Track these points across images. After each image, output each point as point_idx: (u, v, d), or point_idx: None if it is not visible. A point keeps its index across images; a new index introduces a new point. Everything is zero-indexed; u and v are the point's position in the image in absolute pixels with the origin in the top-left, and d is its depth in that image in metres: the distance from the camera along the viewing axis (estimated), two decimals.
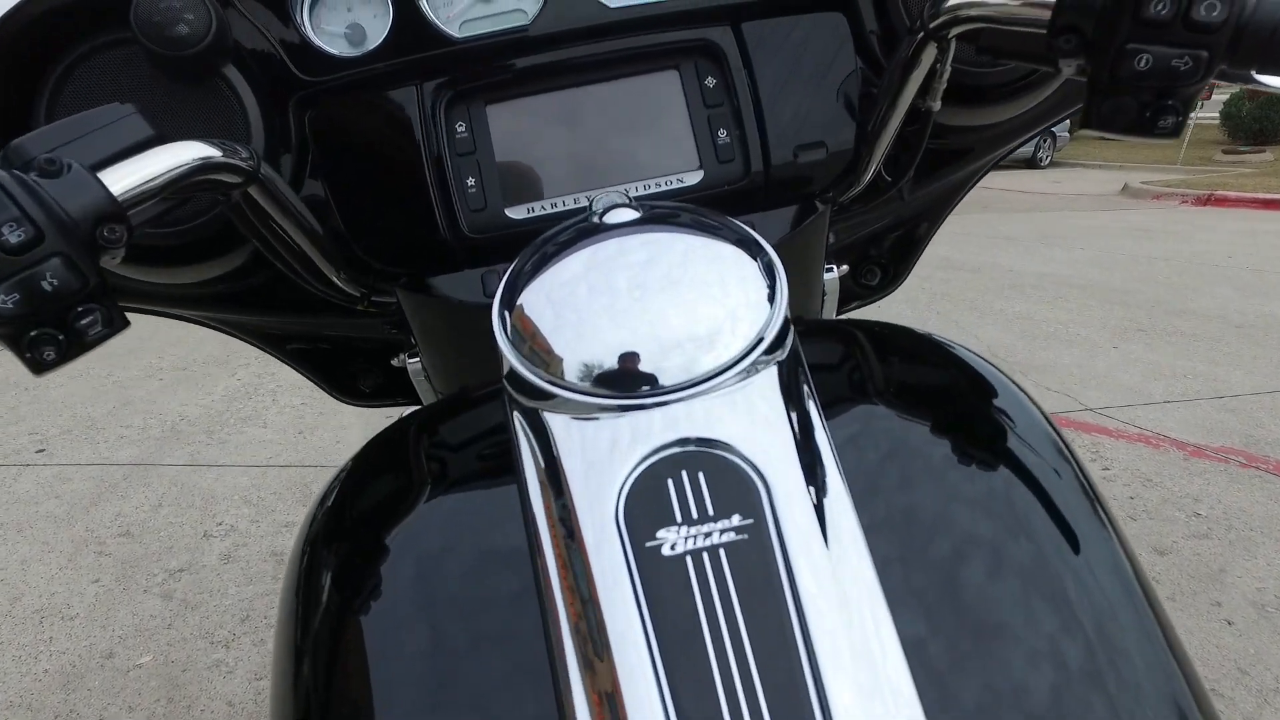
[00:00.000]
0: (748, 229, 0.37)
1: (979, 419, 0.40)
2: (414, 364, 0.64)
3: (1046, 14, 0.37)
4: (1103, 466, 2.24)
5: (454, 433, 0.43)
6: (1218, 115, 16.77)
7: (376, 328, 0.66)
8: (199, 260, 0.52)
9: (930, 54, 0.45)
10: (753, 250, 0.35)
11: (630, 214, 0.37)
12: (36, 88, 0.47)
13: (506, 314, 0.35)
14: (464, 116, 0.51)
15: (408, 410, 0.79)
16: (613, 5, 0.50)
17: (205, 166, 0.38)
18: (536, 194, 0.51)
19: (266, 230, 0.45)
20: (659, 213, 0.38)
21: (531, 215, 0.51)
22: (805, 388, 0.33)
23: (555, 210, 0.51)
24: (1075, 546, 0.34)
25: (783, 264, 0.38)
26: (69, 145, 0.35)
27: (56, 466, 2.28)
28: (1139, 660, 0.30)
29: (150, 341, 3.41)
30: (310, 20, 0.50)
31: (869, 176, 0.55)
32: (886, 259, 0.74)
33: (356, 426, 2.51)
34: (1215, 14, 0.33)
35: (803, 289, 0.61)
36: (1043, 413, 0.42)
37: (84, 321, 0.32)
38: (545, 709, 0.27)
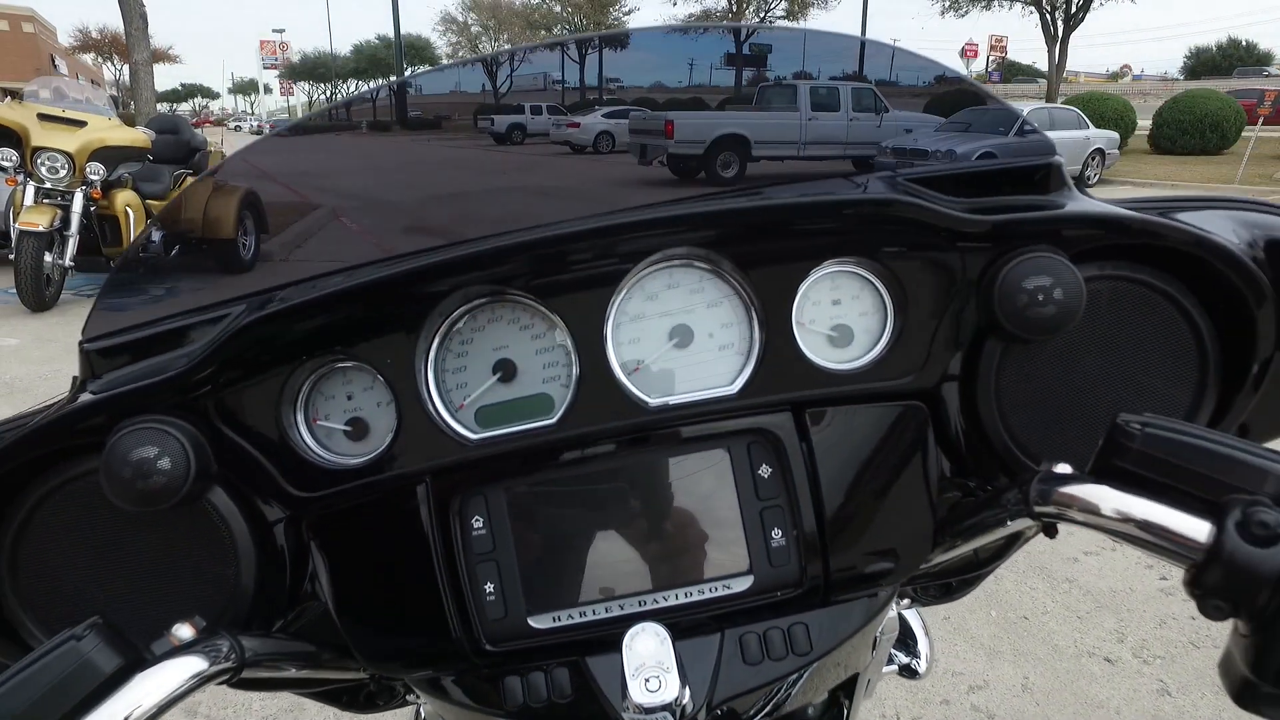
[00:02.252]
0: None
1: None
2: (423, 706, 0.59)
3: (1189, 556, 0.31)
4: (1159, 576, 2.11)
5: None
6: None
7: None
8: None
9: (1029, 523, 0.38)
10: None
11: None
12: (4, 529, 0.43)
13: None
14: (481, 510, 0.45)
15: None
16: (652, 403, 0.44)
17: (192, 683, 0.33)
18: (564, 601, 0.46)
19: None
20: None
21: (558, 625, 0.46)
22: None
23: (585, 620, 0.45)
24: None
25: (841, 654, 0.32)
26: (46, 702, 0.30)
27: None
28: None
29: None
30: (306, 419, 0.45)
31: (936, 564, 0.48)
32: (952, 585, 0.67)
33: None
34: None
35: (862, 647, 0.55)
36: None
37: None
38: None
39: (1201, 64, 43.85)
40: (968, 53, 49.07)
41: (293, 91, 72.11)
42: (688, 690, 0.39)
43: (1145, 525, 0.33)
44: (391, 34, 49.54)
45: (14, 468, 0.42)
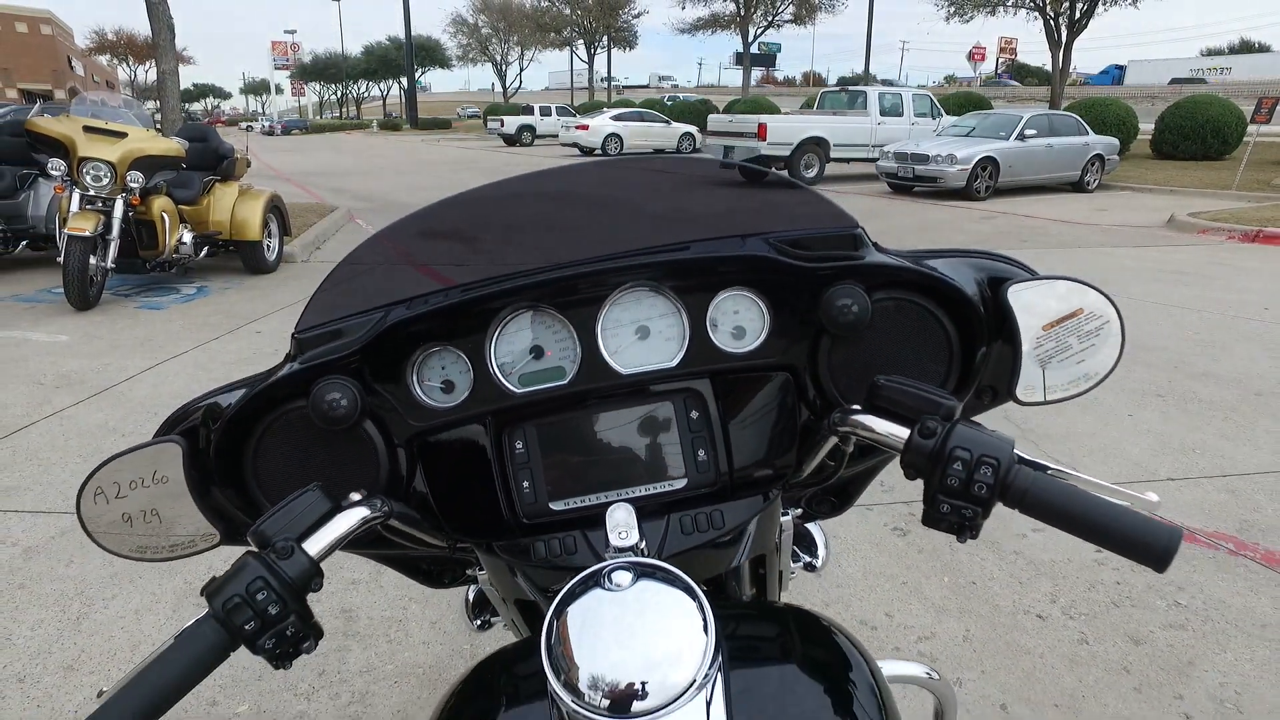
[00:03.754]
0: (703, 595, 0.58)
1: (819, 665, 0.63)
2: (482, 574, 0.88)
3: (897, 448, 0.60)
4: (1094, 550, 2.40)
5: (523, 678, 0.66)
6: None
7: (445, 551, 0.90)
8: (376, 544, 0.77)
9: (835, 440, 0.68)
10: (700, 612, 0.57)
11: (627, 576, 0.60)
12: (247, 442, 0.73)
13: (545, 647, 0.58)
14: (520, 436, 0.75)
15: (474, 586, 1.04)
16: (624, 372, 0.74)
17: (365, 522, 0.63)
18: (570, 492, 0.75)
19: (396, 531, 0.70)
20: (652, 571, 0.60)
21: (567, 507, 0.75)
22: (720, 696, 0.55)
23: (583, 505, 0.75)
24: None
25: (746, 529, 0.60)
26: (287, 526, 0.60)
27: None
28: None
29: None
30: (417, 380, 0.75)
31: (803, 477, 0.77)
32: (835, 499, 0.95)
33: None
34: (984, 491, 0.55)
35: (766, 534, 0.84)
36: (866, 662, 0.64)
37: (303, 645, 0.57)
38: None
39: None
40: (975, 55, 49.22)
41: (304, 92, 72.50)
42: (644, 542, 0.68)
43: (878, 432, 0.62)
44: (402, 35, 49.88)
45: (255, 409, 0.71)
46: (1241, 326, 4.84)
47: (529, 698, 0.61)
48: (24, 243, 6.11)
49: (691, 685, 0.50)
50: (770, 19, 35.21)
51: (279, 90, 75.30)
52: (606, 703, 0.49)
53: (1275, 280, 6.19)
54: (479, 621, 1.06)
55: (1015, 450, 0.57)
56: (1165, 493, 2.74)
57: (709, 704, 0.51)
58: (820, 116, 15.15)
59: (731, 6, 35.42)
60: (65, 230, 4.82)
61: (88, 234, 4.81)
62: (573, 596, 0.55)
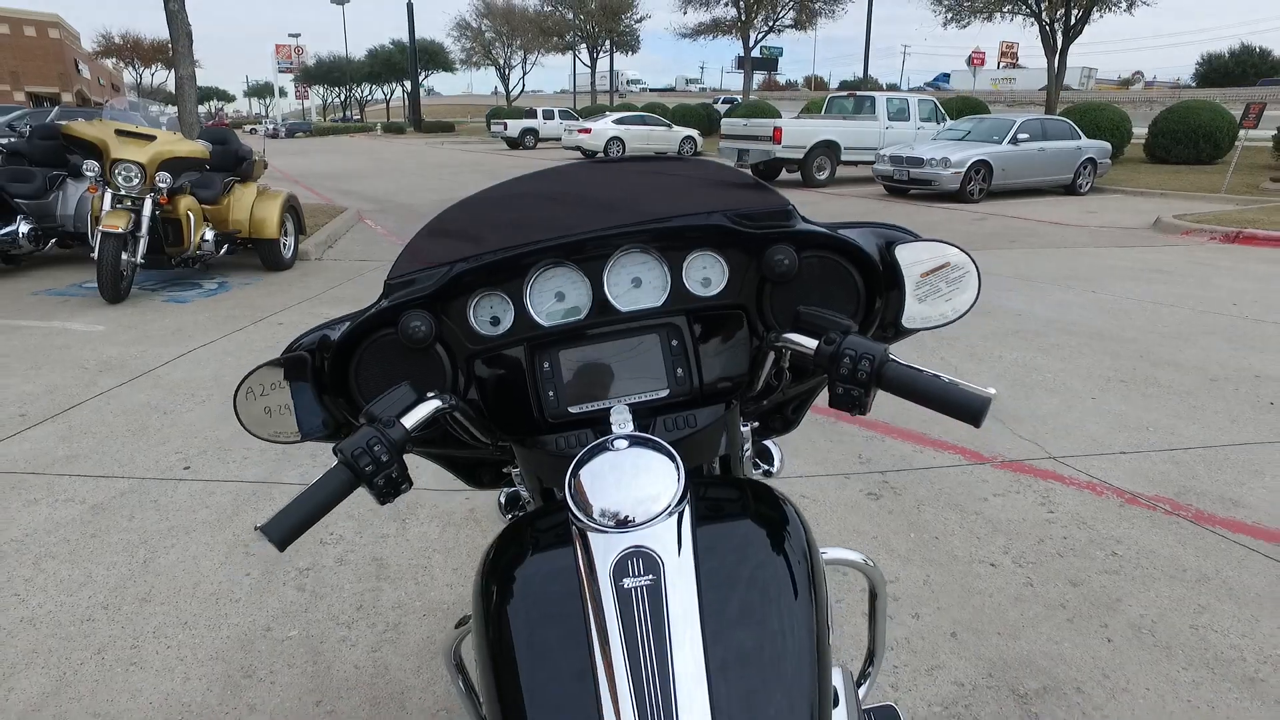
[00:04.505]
0: (675, 454, 0.86)
1: (764, 526, 0.90)
2: (515, 472, 1.16)
3: (809, 352, 0.88)
4: (1047, 510, 2.68)
5: (544, 530, 0.94)
6: (1271, 140, 16.57)
7: (493, 453, 1.18)
8: (438, 443, 1.05)
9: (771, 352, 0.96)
10: (675, 467, 0.85)
11: (626, 441, 0.88)
12: (350, 359, 1.01)
13: (569, 489, 0.86)
14: (549, 358, 1.03)
15: (505, 490, 1.32)
16: (625, 309, 1.02)
17: (439, 410, 0.91)
18: (583, 399, 1.03)
19: (455, 426, 0.98)
20: (643, 440, 0.88)
21: (581, 411, 1.03)
22: (688, 521, 0.83)
23: (593, 408, 1.02)
24: (792, 597, 0.83)
25: (712, 433, 0.89)
26: (388, 407, 0.88)
27: (201, 483, 2.89)
28: (796, 673, 0.76)
29: None
30: (473, 316, 1.03)
31: (755, 392, 1.05)
32: (788, 417, 1.23)
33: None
34: (865, 377, 0.84)
35: (731, 438, 1.12)
36: (805, 527, 0.92)
37: (401, 487, 0.85)
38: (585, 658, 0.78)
39: (1214, 70, 43.89)
40: (974, 60, 49.65)
41: (307, 95, 72.88)
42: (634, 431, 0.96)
43: (799, 343, 0.90)
44: (406, 39, 50.27)
45: (357, 335, 0.99)
46: (1209, 320, 5.11)
47: (551, 544, 0.89)
48: (53, 240, 6.41)
49: (664, 511, 0.78)
50: (771, 24, 35.52)
51: (282, 93, 75.65)
52: (611, 523, 0.78)
53: (1247, 278, 6.47)
54: (509, 516, 1.34)
55: (888, 352, 0.85)
56: (1117, 464, 3.02)
57: (679, 524, 0.79)
58: (832, 121, 15.55)
59: (732, 12, 35.72)
60: (99, 227, 5.11)
61: (120, 231, 5.11)
62: (587, 458, 0.83)
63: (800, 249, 1.00)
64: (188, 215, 5.76)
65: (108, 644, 2.00)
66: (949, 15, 22.40)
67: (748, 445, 1.19)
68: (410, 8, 45.32)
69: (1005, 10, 21.14)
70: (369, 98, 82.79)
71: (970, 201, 12.10)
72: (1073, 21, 19.17)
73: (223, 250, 6.35)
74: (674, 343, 1.02)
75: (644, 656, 0.72)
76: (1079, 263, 7.17)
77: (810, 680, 0.72)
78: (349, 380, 1.02)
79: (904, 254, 1.00)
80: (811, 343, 0.88)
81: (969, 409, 0.80)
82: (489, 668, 0.78)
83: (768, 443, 1.34)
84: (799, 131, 14.69)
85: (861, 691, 1.26)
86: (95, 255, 5.17)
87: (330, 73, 74.96)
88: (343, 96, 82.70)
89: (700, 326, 1.03)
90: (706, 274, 1.03)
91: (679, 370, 1.02)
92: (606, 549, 0.79)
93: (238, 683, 1.88)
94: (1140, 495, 2.77)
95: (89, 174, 5.32)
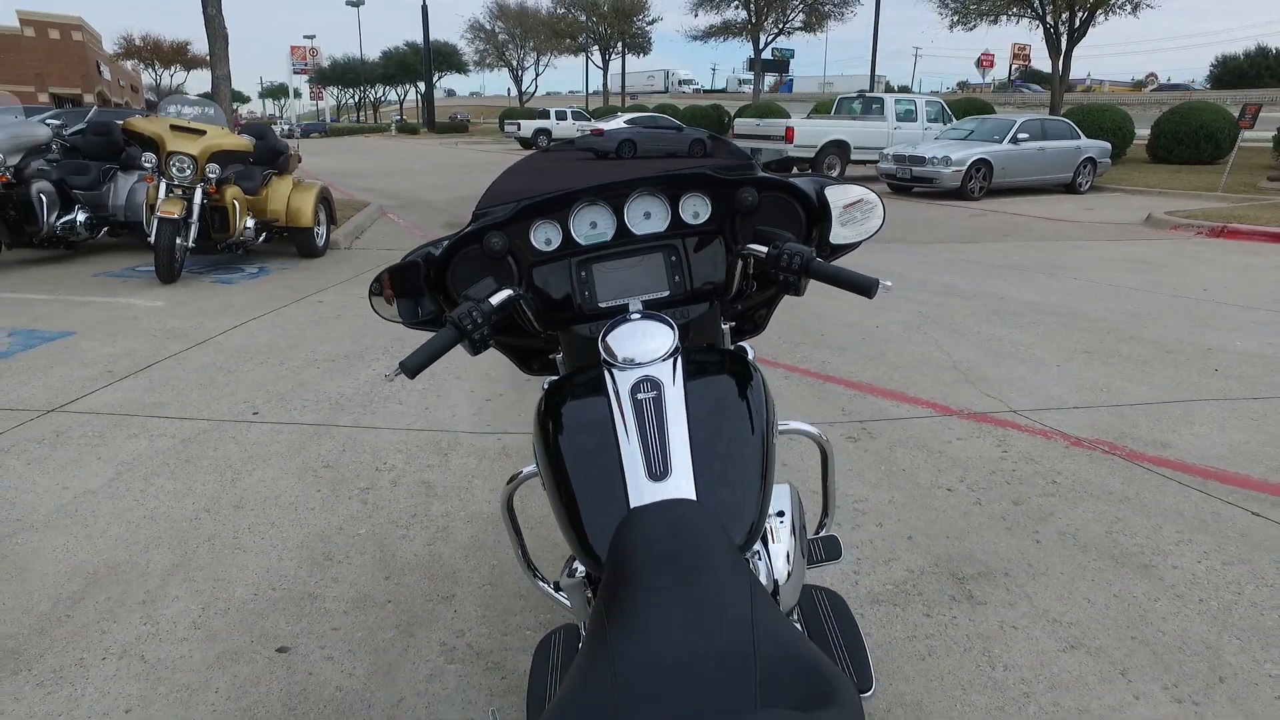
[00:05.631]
0: (672, 323, 1.29)
1: (733, 373, 1.33)
2: (558, 359, 1.60)
3: (761, 256, 1.31)
4: (1002, 450, 3.09)
5: (581, 381, 1.37)
6: (1271, 139, 16.84)
7: (541, 344, 1.61)
8: (502, 331, 1.48)
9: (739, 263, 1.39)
10: (672, 330, 1.28)
11: (639, 315, 1.31)
12: (447, 266, 1.44)
13: (602, 345, 1.29)
14: (584, 269, 1.46)
15: (549, 379, 1.75)
16: (639, 233, 1.45)
17: (511, 297, 1.34)
18: (609, 297, 1.45)
19: (520, 314, 1.41)
20: (650, 315, 1.31)
21: (608, 304, 1.46)
22: (680, 364, 1.26)
23: (615, 303, 1.45)
24: (747, 414, 1.26)
25: (697, 325, 1.31)
26: (478, 292, 1.31)
27: (269, 425, 3.34)
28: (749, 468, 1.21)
29: (301, 344, 4.51)
30: (533, 237, 1.46)
31: (731, 295, 1.48)
32: (756, 320, 1.66)
33: (463, 401, 3.52)
34: (797, 265, 1.27)
35: (711, 333, 1.55)
36: (764, 381, 1.34)
37: (489, 343, 1.29)
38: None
39: (1228, 72, 43.81)
40: (984, 62, 49.88)
41: (322, 96, 73.61)
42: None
43: (758, 250, 1.32)
44: (420, 40, 50.94)
45: (455, 249, 1.43)
46: (1178, 303, 5.50)
47: (587, 387, 1.31)
48: (105, 229, 6.90)
49: (664, 354, 1.21)
50: (781, 26, 35.88)
51: (297, 95, 76.43)
52: (630, 364, 1.21)
53: (1224, 268, 6.83)
54: None
55: (813, 253, 1.27)
56: (1074, 419, 3.42)
57: (674, 365, 1.22)
58: (842, 121, 16.06)
59: (743, 14, 36.09)
60: (157, 213, 5.59)
61: (175, 216, 5.59)
62: (614, 326, 1.27)
63: (760, 190, 1.43)
64: (233, 204, 6.23)
65: (214, 535, 2.45)
66: (955, 18, 22.74)
67: (727, 341, 1.62)
68: (425, 9, 45.92)
69: (1011, 13, 21.47)
70: (383, 99, 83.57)
71: (971, 199, 12.48)
72: (1076, 24, 19.49)
73: (261, 238, 6.83)
74: (673, 258, 1.45)
75: (649, 439, 1.15)
76: (1067, 254, 7.55)
77: (758, 463, 1.14)
78: (446, 280, 1.45)
79: (831, 193, 1.43)
80: (764, 249, 1.31)
81: (865, 286, 1.23)
82: (547, 464, 1.19)
83: (744, 344, 1.77)
84: (810, 131, 15.19)
85: (822, 534, 1.69)
86: (152, 239, 5.65)
87: (345, 74, 75.71)
88: (357, 98, 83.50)
89: (691, 246, 1.46)
90: (696, 209, 1.46)
91: (676, 277, 1.45)
92: (626, 379, 1.21)
93: (320, 563, 2.32)
94: (1084, 439, 3.18)
95: (146, 165, 5.81)
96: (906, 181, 13.07)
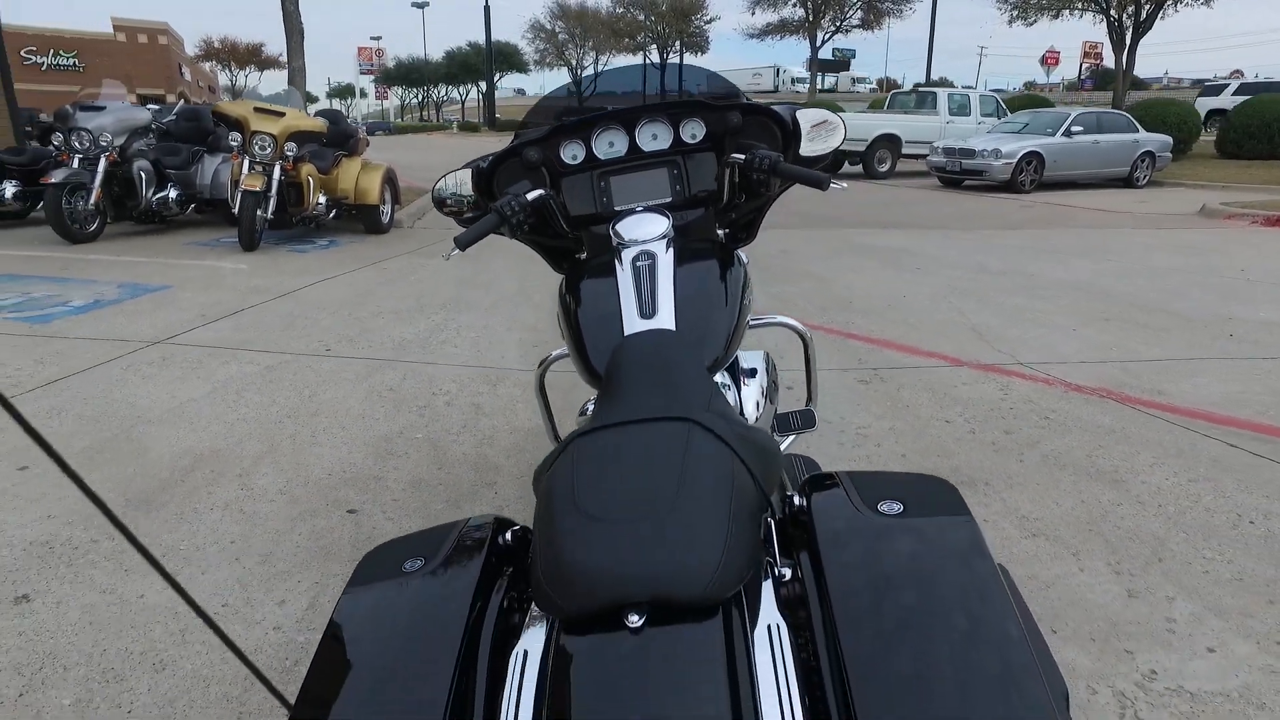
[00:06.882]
0: (668, 214, 1.61)
1: (718, 255, 1.65)
2: (582, 257, 1.93)
3: (741, 160, 1.63)
4: (1003, 393, 3.32)
5: (594, 263, 1.70)
6: None
7: (570, 243, 1.95)
8: (536, 230, 1.83)
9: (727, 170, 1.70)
10: (667, 219, 1.60)
11: (640, 209, 1.64)
12: (495, 172, 1.80)
13: (612, 230, 1.62)
14: (603, 179, 1.79)
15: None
16: (647, 150, 1.78)
17: (542, 195, 1.69)
18: (623, 202, 1.78)
19: (550, 214, 1.75)
20: (652, 208, 1.64)
21: (621, 208, 1.79)
22: (674, 245, 1.58)
23: (628, 208, 1.78)
24: (723, 281, 1.58)
25: (692, 228, 1.65)
26: (518, 189, 1.66)
27: (340, 359, 3.78)
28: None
29: (369, 300, 4.96)
30: (562, 151, 1.80)
31: (724, 203, 1.80)
32: (744, 230, 1.97)
33: (513, 346, 3.91)
34: (766, 166, 1.58)
35: (707, 235, 1.87)
36: (745, 267, 1.66)
37: (525, 228, 1.64)
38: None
39: None
40: (1048, 60, 48.66)
41: (387, 96, 75.87)
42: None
43: (740, 156, 1.64)
44: (483, 41, 52.19)
45: (500, 160, 1.78)
46: (1212, 281, 5.56)
47: (600, 264, 1.64)
48: (192, 205, 7.55)
49: (660, 235, 1.54)
50: (838, 24, 35.68)
51: (363, 94, 78.87)
52: (633, 243, 1.54)
53: (1270, 255, 6.79)
54: None
55: (780, 157, 1.58)
56: (1078, 370, 3.62)
57: (669, 245, 1.55)
58: (893, 115, 16.06)
59: (800, 12, 36.00)
60: (240, 187, 6.16)
61: (258, 190, 6.15)
62: (621, 216, 1.60)
63: (744, 114, 1.74)
64: (308, 180, 6.78)
65: (295, 434, 2.88)
66: (1014, 13, 22.38)
67: (719, 242, 1.93)
68: (487, 10, 47.03)
69: (1075, 7, 21.05)
70: (445, 98, 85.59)
71: (1021, 192, 12.41)
72: (1143, 17, 19.03)
73: (332, 214, 7.38)
74: (674, 171, 1.78)
75: (643, 290, 1.47)
76: (1110, 240, 7.58)
77: (730, 314, 1.45)
78: (493, 186, 1.81)
79: (802, 115, 1.73)
80: (743, 157, 1.63)
81: (818, 180, 1.53)
82: (564, 315, 1.52)
83: (739, 251, 2.08)
84: (860, 125, 15.22)
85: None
86: (236, 210, 6.22)
87: (409, 74, 77.83)
88: (420, 97, 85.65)
89: (691, 160, 1.78)
90: (693, 131, 1.78)
91: (677, 186, 1.77)
92: (629, 253, 1.54)
93: (383, 456, 2.72)
94: (1084, 386, 3.38)
95: (232, 143, 6.39)
96: (956, 174, 13.07)
